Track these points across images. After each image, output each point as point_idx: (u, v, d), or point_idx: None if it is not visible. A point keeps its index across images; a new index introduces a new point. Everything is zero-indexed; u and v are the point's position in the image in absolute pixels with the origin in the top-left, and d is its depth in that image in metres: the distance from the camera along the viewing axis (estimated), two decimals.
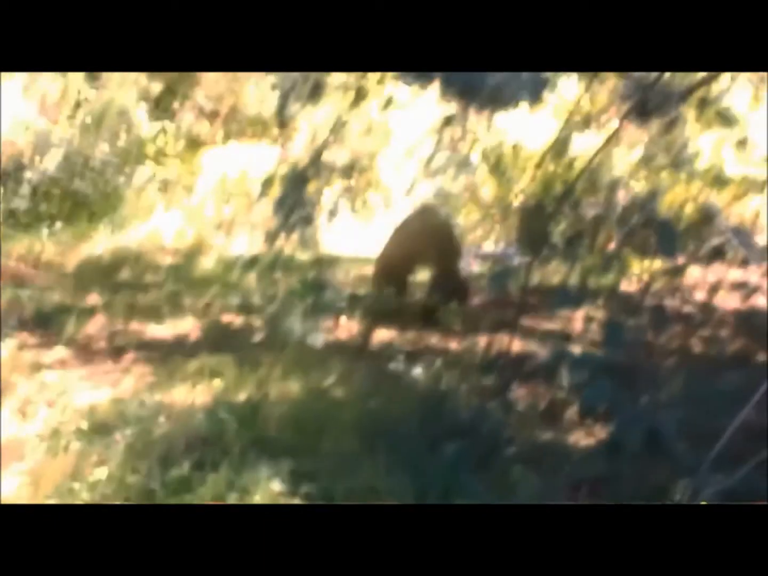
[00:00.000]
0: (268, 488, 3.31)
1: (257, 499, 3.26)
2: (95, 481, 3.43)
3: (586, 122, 6.74)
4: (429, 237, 5.68)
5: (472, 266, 7.19)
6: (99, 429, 3.93)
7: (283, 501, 3.30)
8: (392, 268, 5.68)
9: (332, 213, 6.25)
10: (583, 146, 6.66)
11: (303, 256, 6.22)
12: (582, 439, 3.86)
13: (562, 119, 6.95)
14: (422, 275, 5.97)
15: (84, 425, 3.99)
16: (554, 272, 5.67)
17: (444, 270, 5.74)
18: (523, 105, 7.66)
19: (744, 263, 4.56)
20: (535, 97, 7.51)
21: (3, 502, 3.15)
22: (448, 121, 6.75)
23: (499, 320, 5.63)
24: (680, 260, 4.73)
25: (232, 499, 3.24)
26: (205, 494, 3.29)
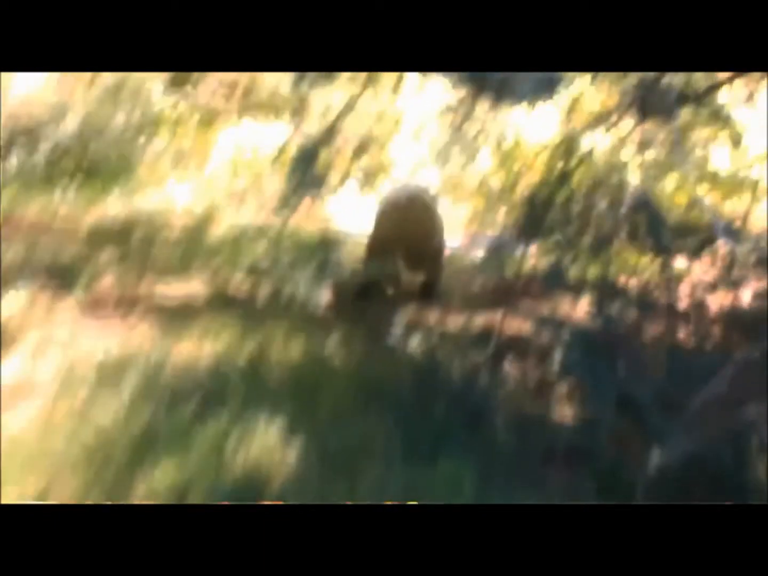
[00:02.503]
0: (265, 437, 3.52)
1: (254, 445, 3.48)
2: (102, 423, 3.64)
3: (594, 118, 6.91)
4: (412, 216, 5.74)
5: (474, 251, 7.36)
6: (107, 376, 4.13)
7: (278, 451, 3.52)
8: (382, 247, 5.75)
9: (340, 191, 6.44)
10: (590, 142, 6.83)
11: (310, 229, 6.41)
12: (564, 408, 4.06)
13: (570, 114, 7.15)
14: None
15: (93, 372, 4.19)
16: (552, 260, 5.87)
17: (424, 247, 5.80)
18: (534, 99, 7.87)
19: (731, 258, 4.76)
20: (547, 92, 7.73)
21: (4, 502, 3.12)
22: (457, 108, 6.93)
23: (496, 301, 5.83)
24: (670, 253, 4.93)
25: (231, 443, 3.46)
26: (205, 439, 3.51)
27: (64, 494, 3.27)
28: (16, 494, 3.25)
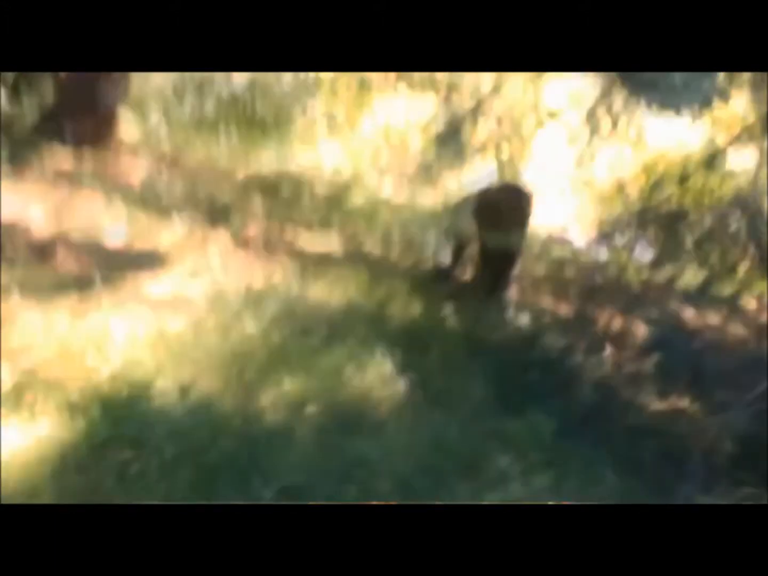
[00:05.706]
0: (381, 368, 4.07)
1: (369, 373, 4.02)
2: (246, 335, 4.26)
3: (743, 135, 7.04)
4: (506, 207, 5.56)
5: (599, 250, 7.64)
6: (249, 301, 4.73)
7: (389, 383, 4.06)
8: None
9: (478, 169, 6.84)
10: (736, 159, 7.00)
11: (443, 199, 6.88)
12: (645, 392, 4.48)
13: (718, 129, 7.30)
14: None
15: (237, 296, 4.80)
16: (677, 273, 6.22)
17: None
18: (687, 111, 7.96)
19: None
20: (704, 104, 7.76)
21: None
22: (599, 107, 7.22)
23: (608, 297, 6.16)
24: None
25: (350, 369, 4.02)
26: (330, 362, 4.08)
27: (205, 388, 3.89)
28: (166, 383, 3.88)
